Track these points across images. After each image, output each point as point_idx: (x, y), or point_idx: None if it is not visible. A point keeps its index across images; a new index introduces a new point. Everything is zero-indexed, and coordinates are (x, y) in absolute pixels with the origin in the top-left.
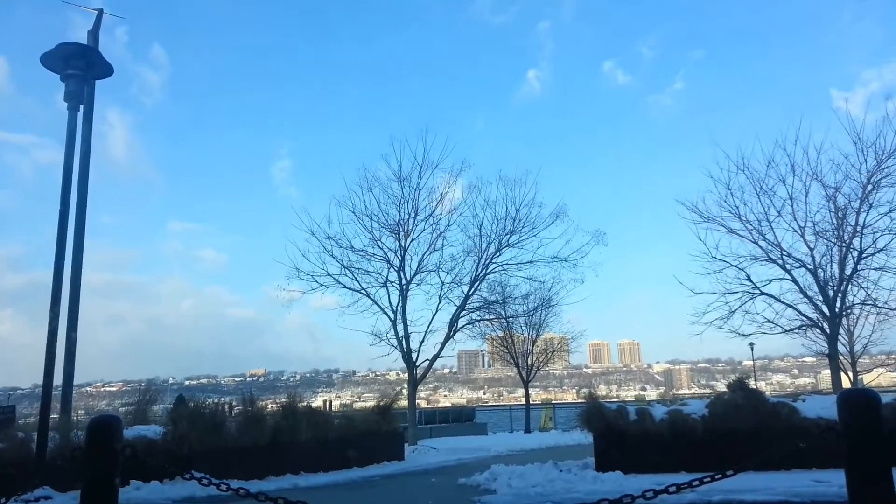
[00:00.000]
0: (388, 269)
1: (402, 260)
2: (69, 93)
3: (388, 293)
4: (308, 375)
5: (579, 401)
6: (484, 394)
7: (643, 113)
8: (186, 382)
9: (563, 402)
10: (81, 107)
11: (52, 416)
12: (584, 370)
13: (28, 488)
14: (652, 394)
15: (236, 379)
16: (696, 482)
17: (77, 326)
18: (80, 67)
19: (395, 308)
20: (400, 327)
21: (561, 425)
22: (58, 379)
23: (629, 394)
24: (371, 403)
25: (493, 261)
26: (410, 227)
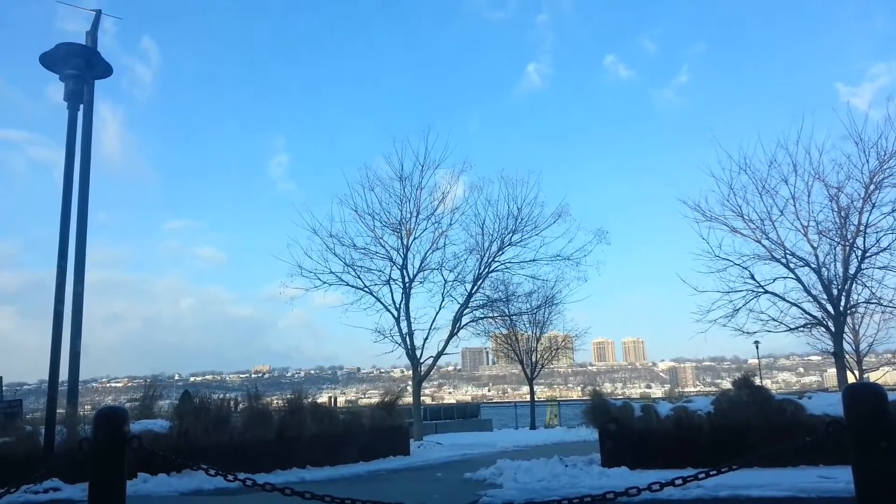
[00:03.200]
0: (391, 266)
1: (405, 258)
2: (69, 92)
3: (392, 291)
4: (312, 372)
5: (584, 398)
6: (489, 391)
7: (646, 108)
8: (192, 379)
9: (568, 399)
10: (81, 106)
11: (58, 410)
12: (589, 368)
13: (37, 480)
14: (657, 391)
15: (241, 376)
16: (703, 475)
17: (81, 324)
18: (80, 67)
19: (398, 306)
20: (403, 325)
21: (566, 422)
22: (63, 375)
23: (634, 392)
24: (375, 400)
25: (496, 259)
26: (413, 226)
